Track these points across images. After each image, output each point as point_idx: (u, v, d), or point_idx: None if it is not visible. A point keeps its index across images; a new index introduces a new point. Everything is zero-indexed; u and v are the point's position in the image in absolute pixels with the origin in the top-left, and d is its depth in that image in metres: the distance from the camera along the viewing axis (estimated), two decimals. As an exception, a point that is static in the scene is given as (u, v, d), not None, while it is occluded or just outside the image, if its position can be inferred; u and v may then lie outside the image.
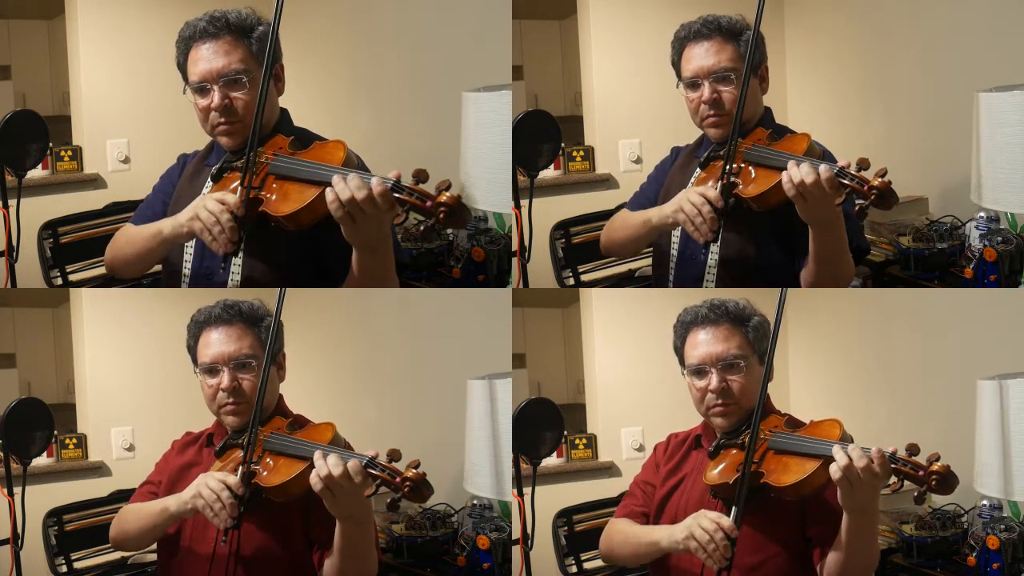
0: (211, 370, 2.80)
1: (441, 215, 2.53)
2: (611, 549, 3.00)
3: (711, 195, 2.79)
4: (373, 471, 2.54)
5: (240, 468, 2.67)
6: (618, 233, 3.12)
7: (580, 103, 4.17)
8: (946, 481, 2.56)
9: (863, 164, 2.66)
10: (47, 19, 4.14)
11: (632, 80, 4.11)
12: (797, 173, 2.66)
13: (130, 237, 2.92)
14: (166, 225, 2.79)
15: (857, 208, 2.68)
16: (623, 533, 2.95)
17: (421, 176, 2.55)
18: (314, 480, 2.54)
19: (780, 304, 2.74)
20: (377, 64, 4.04)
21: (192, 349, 2.85)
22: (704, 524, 2.67)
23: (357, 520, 2.61)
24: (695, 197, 2.80)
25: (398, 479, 2.54)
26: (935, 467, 2.56)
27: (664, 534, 2.79)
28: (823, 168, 2.66)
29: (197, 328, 2.84)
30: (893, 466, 2.56)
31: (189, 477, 2.84)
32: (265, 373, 2.73)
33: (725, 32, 2.90)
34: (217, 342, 2.80)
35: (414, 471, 2.55)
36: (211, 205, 2.66)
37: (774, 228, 2.88)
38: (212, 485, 2.65)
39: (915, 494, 2.61)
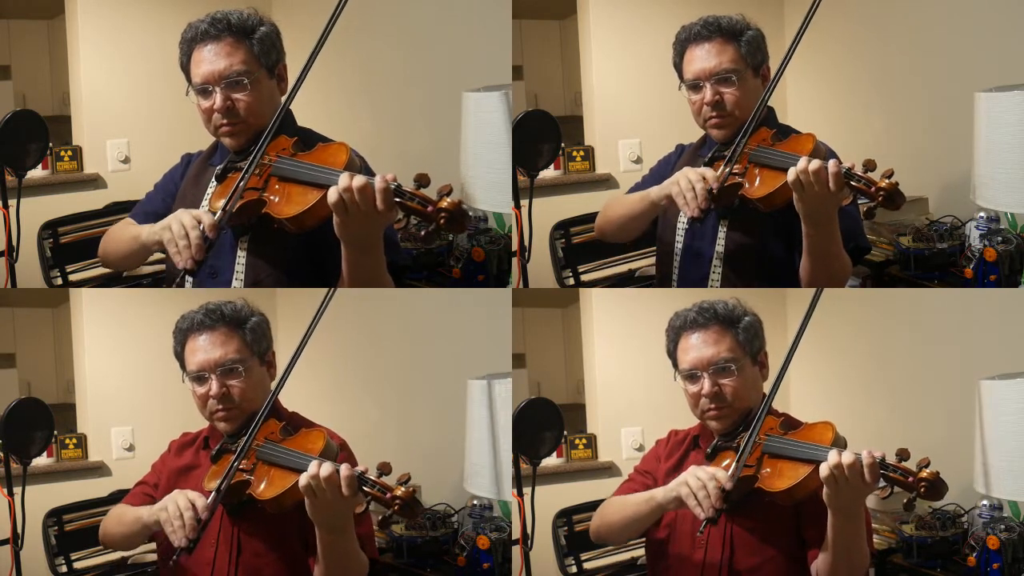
0: (199, 378, 2.78)
1: (442, 220, 2.53)
2: (603, 518, 2.98)
3: (708, 174, 2.80)
4: (364, 487, 2.53)
5: (223, 481, 2.67)
6: (613, 211, 3.10)
7: (580, 103, 4.17)
8: (935, 488, 2.57)
9: (869, 165, 2.67)
10: (47, 19, 4.14)
11: (632, 80, 4.11)
12: (804, 162, 2.67)
13: (119, 236, 2.94)
14: (143, 231, 2.81)
15: (865, 209, 2.69)
16: (618, 501, 2.95)
17: (423, 180, 2.56)
18: (302, 479, 2.54)
19: (812, 304, 2.77)
20: (377, 64, 4.03)
21: (179, 356, 2.84)
22: (699, 473, 2.69)
23: (330, 527, 2.60)
24: (692, 174, 2.81)
25: (388, 495, 2.53)
26: (924, 474, 2.57)
27: (659, 489, 2.80)
28: (832, 162, 2.67)
29: (182, 335, 2.82)
30: (882, 472, 2.57)
31: (188, 480, 2.85)
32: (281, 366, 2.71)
33: (726, 33, 2.91)
34: (202, 349, 2.78)
35: (403, 488, 2.54)
36: (185, 219, 2.66)
37: (779, 227, 2.88)
38: (180, 502, 2.66)
39: (904, 500, 2.61)
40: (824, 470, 2.56)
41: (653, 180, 3.14)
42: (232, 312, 2.82)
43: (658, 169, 3.15)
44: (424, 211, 2.54)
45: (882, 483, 2.58)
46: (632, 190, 3.17)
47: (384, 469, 2.56)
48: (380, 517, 2.57)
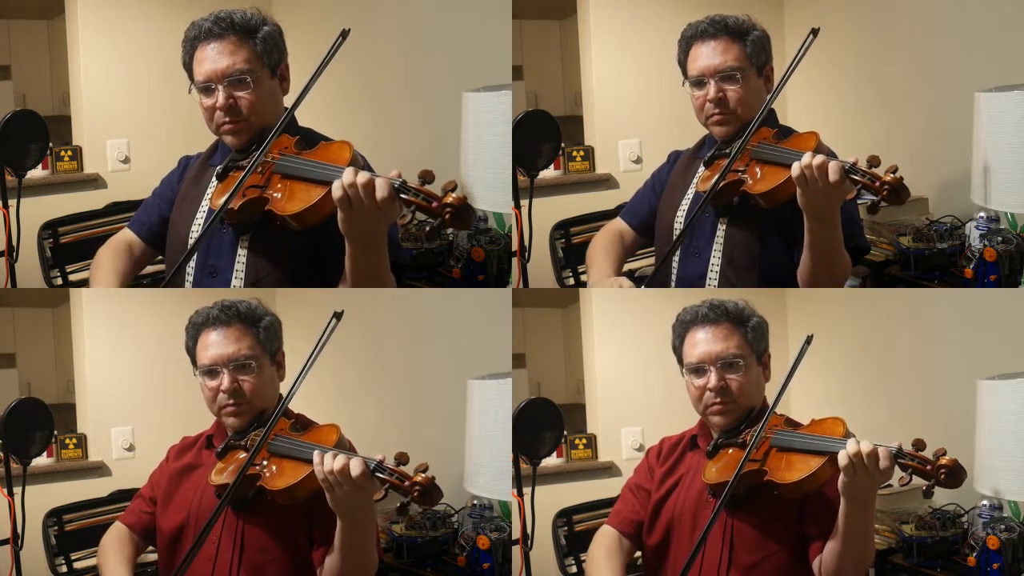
0: (211, 372, 2.80)
1: (447, 216, 2.54)
2: (586, 569, 3.05)
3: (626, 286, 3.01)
4: (381, 475, 2.54)
5: (241, 472, 2.67)
6: (589, 263, 3.24)
7: (580, 103, 4.17)
8: (954, 474, 2.59)
9: (873, 161, 2.69)
10: (47, 19, 4.14)
11: (632, 80, 4.11)
12: (808, 156, 2.68)
13: (102, 270, 3.01)
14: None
15: (870, 204, 2.70)
16: (594, 566, 2.98)
17: (427, 177, 2.57)
18: (317, 471, 2.56)
19: (802, 354, 2.80)
20: (377, 64, 4.03)
21: (191, 351, 2.85)
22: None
23: (353, 520, 2.62)
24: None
25: (407, 483, 2.55)
26: (943, 460, 2.60)
27: None
28: (835, 160, 2.68)
29: (195, 330, 2.84)
30: (901, 460, 2.60)
31: (190, 480, 2.86)
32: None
33: (732, 32, 2.93)
34: (215, 344, 2.80)
35: (423, 475, 2.55)
36: None
37: (778, 225, 2.89)
38: None
39: (923, 488, 2.63)
40: (843, 458, 2.58)
41: (647, 191, 3.17)
42: (247, 310, 2.84)
43: (651, 182, 3.18)
44: (429, 207, 2.55)
45: (900, 473, 2.61)
46: (629, 201, 3.20)
47: (402, 459, 2.57)
48: (398, 504, 2.57)
